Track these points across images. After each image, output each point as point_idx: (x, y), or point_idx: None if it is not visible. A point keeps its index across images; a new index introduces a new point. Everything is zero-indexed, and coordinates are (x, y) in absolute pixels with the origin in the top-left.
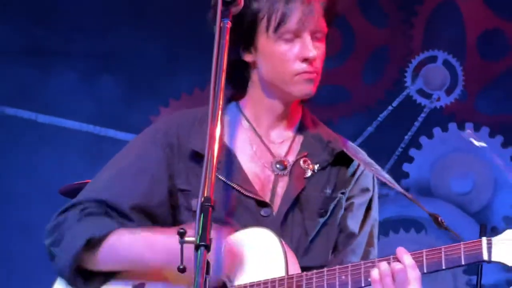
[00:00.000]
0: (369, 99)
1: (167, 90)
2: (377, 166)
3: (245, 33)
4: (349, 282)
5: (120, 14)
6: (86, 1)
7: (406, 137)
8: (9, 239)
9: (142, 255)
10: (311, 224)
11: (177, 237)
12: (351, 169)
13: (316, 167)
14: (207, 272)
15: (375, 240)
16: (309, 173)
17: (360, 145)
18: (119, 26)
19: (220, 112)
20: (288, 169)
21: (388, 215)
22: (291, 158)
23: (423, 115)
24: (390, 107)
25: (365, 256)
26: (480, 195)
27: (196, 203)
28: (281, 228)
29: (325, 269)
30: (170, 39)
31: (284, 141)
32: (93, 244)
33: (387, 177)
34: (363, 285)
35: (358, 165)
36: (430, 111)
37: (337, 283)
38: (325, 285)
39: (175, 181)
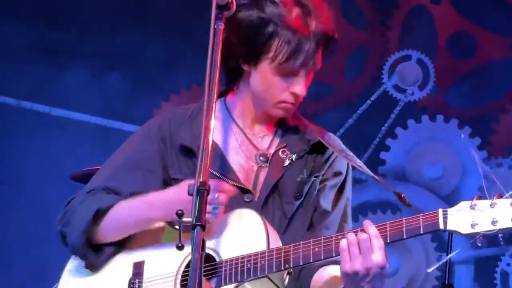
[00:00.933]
0: (350, 93)
1: (168, 86)
2: (350, 153)
3: (252, 51)
4: (322, 253)
5: (126, 18)
6: (96, 7)
7: (383, 128)
8: (28, 219)
9: (145, 215)
10: (289, 207)
11: (171, 190)
12: (325, 156)
13: (293, 156)
14: (203, 249)
15: (349, 217)
16: (287, 162)
17: (342, 135)
18: (125, 28)
19: (214, 106)
20: (269, 160)
21: (367, 199)
22: (272, 151)
23: (398, 108)
24: (368, 101)
25: (340, 231)
26: (449, 180)
27: (192, 188)
28: (262, 211)
29: (301, 242)
30: (170, 40)
31: (265, 135)
32: (100, 216)
33: (358, 163)
34: (334, 255)
35: (332, 152)
36: (405, 105)
37: (311, 254)
38: (301, 256)
39: (169, 171)
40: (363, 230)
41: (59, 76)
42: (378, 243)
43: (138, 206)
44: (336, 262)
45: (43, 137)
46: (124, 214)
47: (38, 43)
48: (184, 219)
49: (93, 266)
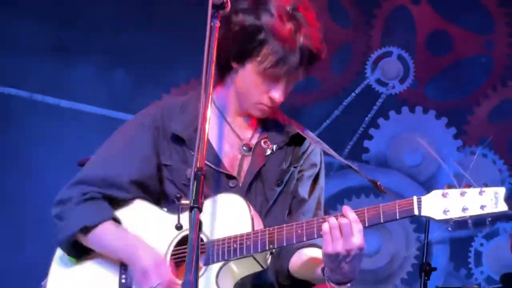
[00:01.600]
0: (336, 87)
1: (168, 80)
2: (325, 145)
3: (242, 52)
4: (304, 235)
5: (131, 18)
6: (103, 8)
7: (366, 118)
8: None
9: (117, 250)
10: (270, 193)
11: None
12: (303, 148)
13: (274, 147)
14: (200, 229)
15: (322, 204)
16: (268, 152)
17: (329, 125)
18: (130, 28)
19: (210, 98)
20: (252, 150)
21: (351, 184)
22: (254, 141)
23: (380, 100)
24: (353, 94)
25: (315, 216)
26: (427, 167)
27: (189, 173)
28: (246, 196)
29: (284, 225)
30: (171, 38)
31: (248, 127)
32: (85, 230)
33: (333, 152)
34: (315, 237)
35: (309, 145)
36: (387, 97)
37: (294, 235)
38: (284, 237)
39: (161, 158)
40: (343, 215)
41: (68, 71)
42: (357, 227)
43: (116, 243)
44: (312, 245)
45: (53, 127)
46: (106, 238)
47: (49, 41)
48: (182, 201)
49: (77, 263)
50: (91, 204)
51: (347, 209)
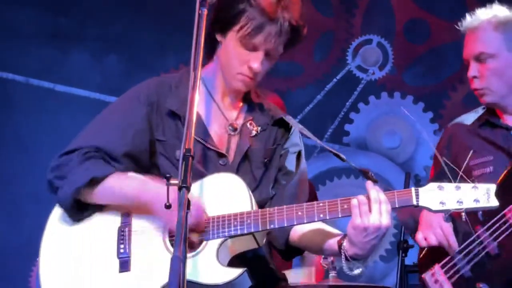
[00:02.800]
0: (318, 73)
1: (158, 66)
2: (306, 131)
3: (224, 22)
4: (305, 217)
5: (124, 6)
6: None
7: (347, 103)
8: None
9: (136, 193)
10: (258, 171)
11: (162, 182)
12: (285, 129)
13: (259, 128)
14: (188, 208)
15: (307, 183)
16: (253, 133)
17: (311, 110)
18: (122, 16)
19: (198, 82)
20: (238, 130)
21: (333, 165)
22: (239, 122)
23: (361, 86)
24: (335, 80)
25: (303, 189)
26: (405, 149)
27: (179, 153)
28: (236, 174)
29: (284, 206)
30: (161, 26)
31: (234, 108)
32: (93, 182)
33: (313, 138)
34: (315, 220)
35: (290, 127)
36: (367, 83)
37: (294, 217)
38: (285, 218)
39: (154, 133)
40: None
41: (63, 57)
42: (387, 207)
43: (131, 183)
44: None
45: (48, 110)
46: (115, 188)
47: (45, 28)
48: (172, 181)
49: (74, 219)
50: (94, 161)
51: (376, 190)
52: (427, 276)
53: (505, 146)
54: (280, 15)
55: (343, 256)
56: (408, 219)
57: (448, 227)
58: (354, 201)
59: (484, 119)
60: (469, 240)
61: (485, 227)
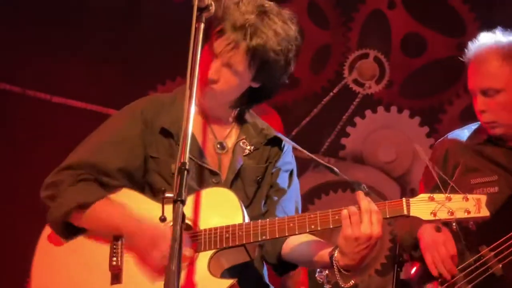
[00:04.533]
0: (315, 86)
1: (155, 78)
2: (300, 148)
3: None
4: (296, 228)
5: (121, 18)
6: (95, 8)
7: (344, 117)
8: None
9: (117, 225)
10: (250, 189)
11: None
12: (278, 148)
13: (252, 148)
14: (183, 221)
15: (299, 198)
16: (246, 152)
17: (308, 123)
18: (119, 28)
19: (194, 96)
20: (228, 148)
21: (328, 179)
22: (229, 141)
23: (357, 99)
24: (331, 93)
25: (296, 205)
26: (401, 163)
27: (174, 168)
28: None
29: (276, 218)
30: (158, 38)
31: (224, 126)
32: (82, 208)
33: (309, 154)
34: (307, 231)
35: (283, 146)
36: (363, 97)
37: (286, 228)
38: (277, 230)
39: (148, 150)
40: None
41: (60, 67)
42: (377, 217)
43: (113, 214)
44: None
45: (45, 122)
46: (101, 216)
47: (42, 38)
48: (167, 194)
49: (64, 239)
50: (85, 184)
51: (367, 200)
52: None
53: (509, 166)
54: (246, 28)
55: (335, 267)
56: (405, 235)
57: (454, 246)
58: (344, 212)
59: (485, 137)
60: (471, 260)
61: (489, 247)
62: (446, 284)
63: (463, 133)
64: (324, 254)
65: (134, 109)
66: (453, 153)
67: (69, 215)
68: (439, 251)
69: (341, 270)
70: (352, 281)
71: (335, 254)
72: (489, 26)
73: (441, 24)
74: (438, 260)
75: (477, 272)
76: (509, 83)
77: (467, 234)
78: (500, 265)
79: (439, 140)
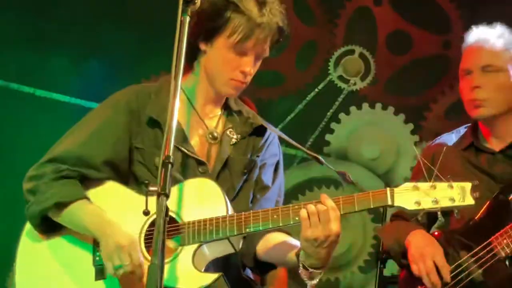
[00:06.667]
0: (300, 83)
1: (139, 72)
2: (285, 136)
3: (210, 30)
4: (280, 220)
5: (105, 11)
6: (78, 1)
7: (328, 113)
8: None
9: (90, 227)
10: (237, 181)
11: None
12: (263, 139)
13: (238, 136)
14: (166, 215)
15: (283, 192)
16: (233, 141)
17: (292, 119)
18: (103, 21)
19: (179, 89)
20: (218, 138)
21: (313, 175)
22: (219, 130)
23: (342, 96)
24: (316, 90)
25: (276, 204)
26: (386, 160)
27: (158, 161)
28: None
29: (260, 210)
30: (142, 32)
31: (214, 116)
32: (59, 206)
33: (295, 144)
34: (291, 222)
35: (268, 136)
36: (348, 93)
37: (270, 220)
38: (260, 222)
39: (133, 141)
40: (320, 202)
41: (44, 61)
42: (335, 214)
43: (91, 220)
44: (280, 229)
45: (28, 116)
46: (80, 215)
47: (26, 32)
48: (151, 188)
49: (42, 233)
50: (66, 181)
51: (325, 197)
52: None
53: (490, 171)
54: (266, 19)
55: (301, 267)
56: (392, 244)
57: (442, 258)
58: (303, 213)
59: (468, 143)
60: (454, 265)
61: (471, 253)
62: None
63: (451, 138)
64: (292, 255)
65: (119, 100)
66: (438, 158)
67: (47, 212)
68: (425, 263)
69: (308, 269)
70: (317, 278)
71: (300, 254)
72: (475, 24)
73: (427, 21)
74: (424, 273)
75: (458, 278)
76: (509, 66)
77: (452, 240)
78: (480, 271)
79: (427, 144)
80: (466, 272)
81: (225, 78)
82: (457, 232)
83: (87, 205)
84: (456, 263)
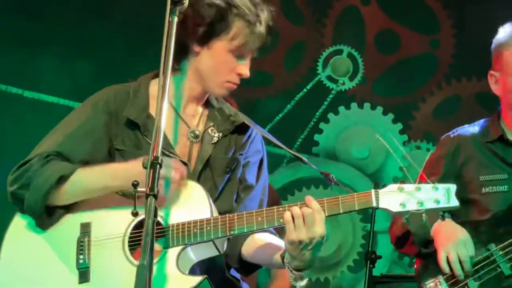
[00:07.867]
0: (289, 82)
1: (127, 72)
2: (269, 135)
3: (208, 33)
4: (264, 222)
5: (93, 11)
6: (67, 2)
7: (317, 113)
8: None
9: (105, 183)
10: (219, 180)
11: (134, 163)
12: (246, 136)
13: (220, 135)
14: (155, 216)
15: (267, 191)
16: (215, 140)
17: (281, 119)
18: (92, 22)
19: (167, 89)
20: (200, 137)
21: (301, 175)
22: (200, 128)
23: (331, 96)
24: (305, 89)
25: (260, 203)
26: (374, 160)
27: (146, 161)
28: (197, 181)
29: (244, 212)
30: (131, 32)
31: (195, 114)
32: (62, 181)
33: (277, 142)
34: (276, 225)
35: (251, 133)
36: (337, 93)
37: (254, 223)
38: (245, 224)
39: (113, 142)
40: (304, 204)
41: (32, 61)
42: (320, 217)
43: (99, 175)
44: (265, 230)
45: (16, 116)
46: (85, 180)
47: (14, 33)
48: (139, 188)
49: (44, 226)
50: (55, 161)
51: (310, 199)
52: (428, 285)
53: None
54: (261, 21)
55: (287, 269)
56: (419, 228)
57: (473, 248)
58: (287, 216)
59: (497, 136)
60: (480, 257)
61: (500, 246)
62: (452, 281)
63: (474, 129)
64: (278, 257)
65: (98, 101)
66: (465, 148)
67: (51, 192)
68: (459, 251)
69: (293, 271)
70: (305, 280)
71: (286, 257)
72: (462, 24)
73: (415, 21)
74: (455, 260)
75: (486, 270)
76: None
77: (477, 231)
78: (509, 264)
79: (447, 134)
80: (494, 265)
81: (221, 80)
82: (484, 223)
83: (88, 169)
84: (484, 254)
